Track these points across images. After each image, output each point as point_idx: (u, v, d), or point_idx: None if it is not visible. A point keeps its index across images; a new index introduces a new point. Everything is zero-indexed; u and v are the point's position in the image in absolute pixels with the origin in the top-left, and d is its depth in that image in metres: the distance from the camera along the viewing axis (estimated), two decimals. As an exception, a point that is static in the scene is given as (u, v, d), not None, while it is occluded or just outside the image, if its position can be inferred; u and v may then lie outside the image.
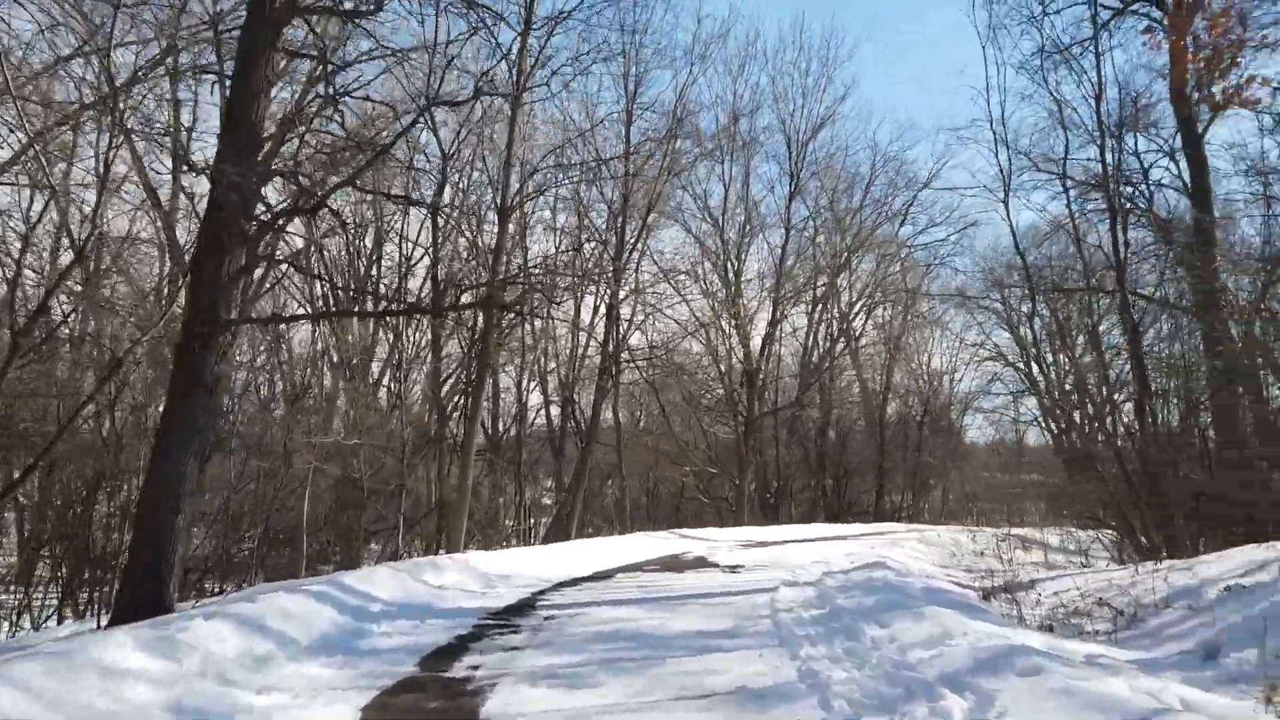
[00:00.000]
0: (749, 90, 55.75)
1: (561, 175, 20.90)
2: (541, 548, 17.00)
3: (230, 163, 7.60)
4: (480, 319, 19.14)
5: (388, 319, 21.69)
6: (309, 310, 22.21)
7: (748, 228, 32.90)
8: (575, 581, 11.21)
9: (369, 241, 25.12)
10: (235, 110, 8.18)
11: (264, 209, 9.16)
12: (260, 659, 6.05)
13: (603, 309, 25.96)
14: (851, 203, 35.56)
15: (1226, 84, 15.14)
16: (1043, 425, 32.32)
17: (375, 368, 25.04)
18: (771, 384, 35.07)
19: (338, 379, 24.07)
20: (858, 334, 38.06)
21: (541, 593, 10.08)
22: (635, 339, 28.32)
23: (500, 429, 29.20)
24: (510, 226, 20.30)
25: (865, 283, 37.19)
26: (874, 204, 36.06)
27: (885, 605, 7.57)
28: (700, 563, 13.98)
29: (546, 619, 8.11)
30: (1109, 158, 16.99)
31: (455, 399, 22.69)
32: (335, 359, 23.88)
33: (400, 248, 24.86)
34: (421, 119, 11.83)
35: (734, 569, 12.79)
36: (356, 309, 19.53)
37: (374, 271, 25.00)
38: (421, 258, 24.00)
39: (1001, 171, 18.45)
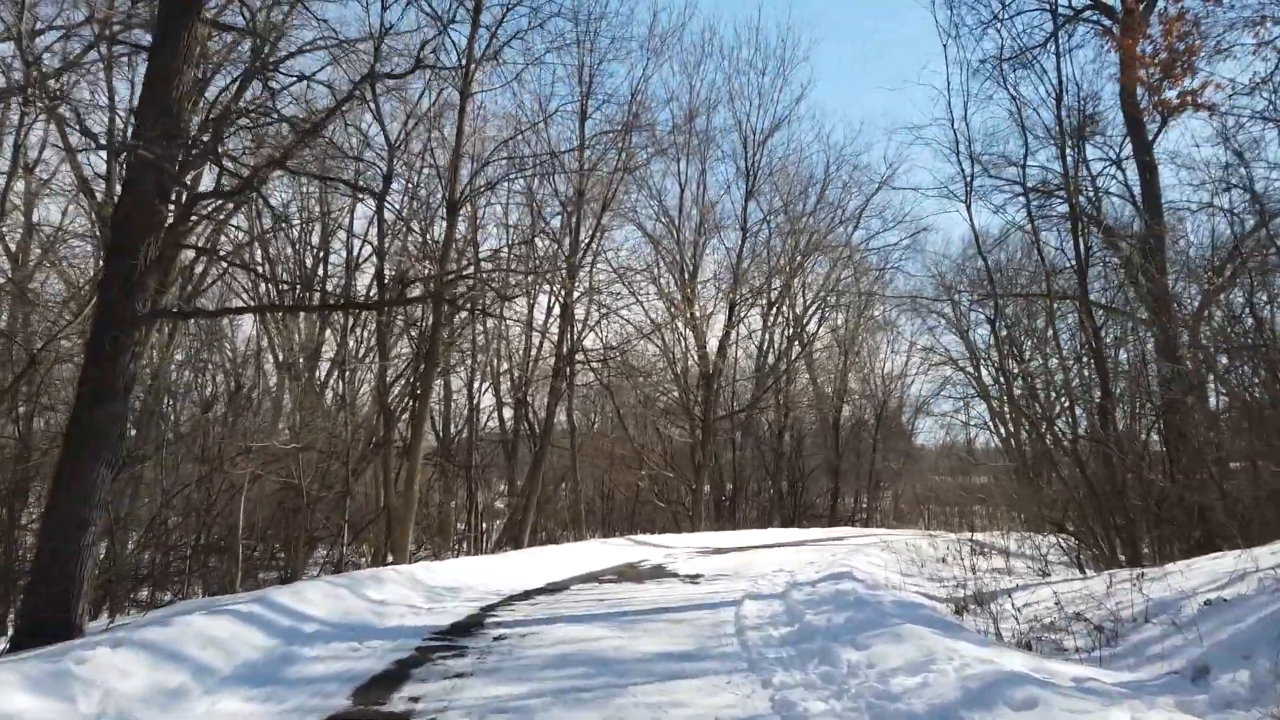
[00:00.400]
0: (705, 88, 55.66)
1: (514, 169, 20.27)
2: (492, 557, 16.39)
3: (146, 141, 6.90)
4: (430, 317, 18.45)
5: (332, 315, 20.86)
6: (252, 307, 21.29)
7: (703, 228, 32.49)
8: (527, 594, 10.63)
9: (315, 240, 24.34)
10: (153, 86, 7.46)
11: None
12: (171, 694, 5.40)
13: (556, 309, 25.39)
14: (806, 205, 35.44)
15: (1182, 88, 15.11)
16: (992, 429, 32.54)
17: (322, 368, 24.23)
18: (727, 386, 34.73)
19: (282, 380, 23.19)
20: (812, 337, 37.96)
21: (491, 608, 9.48)
22: (590, 340, 27.77)
23: (451, 432, 28.43)
24: (461, 222, 19.65)
25: (819, 286, 37.12)
26: (828, 207, 36.00)
27: (858, 623, 7.13)
28: (658, 572, 13.50)
29: (496, 639, 7.53)
30: (1069, 161, 16.81)
31: (404, 401, 21.95)
32: (280, 358, 23.02)
33: (348, 245, 24.12)
34: (364, 99, 11.21)
35: (694, 579, 12.33)
36: (299, 304, 18.66)
37: (320, 270, 24.21)
38: (369, 255, 23.23)
39: (963, 173, 18.14)
